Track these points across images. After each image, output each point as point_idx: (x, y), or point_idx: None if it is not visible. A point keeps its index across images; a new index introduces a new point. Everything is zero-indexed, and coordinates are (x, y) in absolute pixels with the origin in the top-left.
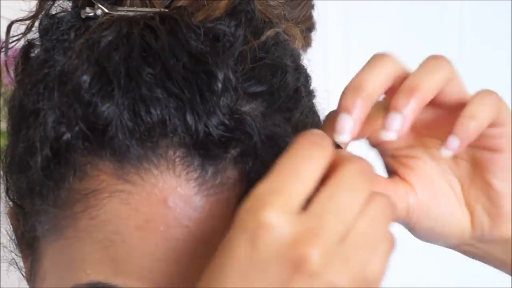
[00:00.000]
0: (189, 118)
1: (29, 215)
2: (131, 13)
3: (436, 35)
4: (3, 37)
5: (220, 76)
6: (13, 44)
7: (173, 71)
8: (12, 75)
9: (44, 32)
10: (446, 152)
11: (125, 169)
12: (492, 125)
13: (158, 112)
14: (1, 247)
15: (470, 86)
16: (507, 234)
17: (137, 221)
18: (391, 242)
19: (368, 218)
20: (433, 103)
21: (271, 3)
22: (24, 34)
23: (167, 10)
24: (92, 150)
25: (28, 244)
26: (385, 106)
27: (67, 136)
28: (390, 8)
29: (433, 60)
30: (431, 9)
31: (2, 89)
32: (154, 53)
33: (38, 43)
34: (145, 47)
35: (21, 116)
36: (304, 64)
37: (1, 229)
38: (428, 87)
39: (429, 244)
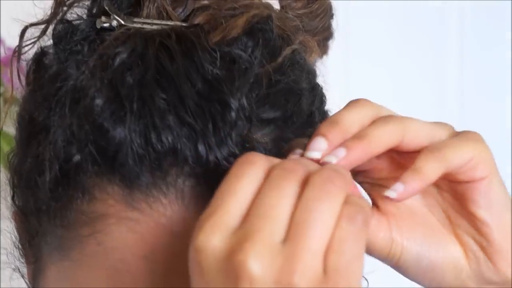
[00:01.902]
0: (200, 148)
1: (34, 230)
2: (147, 26)
3: (436, 35)
4: (3, 37)
5: (234, 105)
6: (27, 49)
7: (186, 97)
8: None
9: (57, 39)
10: (389, 193)
11: (134, 195)
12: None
13: (170, 140)
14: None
15: (470, 85)
16: (507, 272)
17: (144, 251)
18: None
19: (303, 208)
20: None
21: (289, 15)
22: (38, 39)
23: (184, 25)
24: (102, 173)
25: (32, 251)
26: None
27: (77, 158)
28: (390, 8)
29: (383, 120)
30: (431, 9)
31: (2, 89)
32: (168, 77)
33: (51, 50)
34: (160, 69)
35: (31, 130)
36: (319, 83)
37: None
38: (378, 141)
39: None
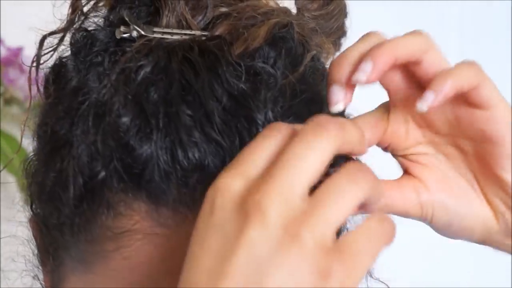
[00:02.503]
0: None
1: (56, 242)
2: (167, 36)
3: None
4: (3, 37)
5: (260, 120)
6: (46, 59)
7: (212, 113)
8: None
9: (76, 49)
10: (421, 105)
11: (161, 212)
12: (478, 105)
13: (196, 157)
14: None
15: None
16: None
17: (170, 267)
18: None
19: (333, 177)
20: (418, 78)
21: (305, 18)
22: (55, 48)
23: (204, 34)
24: (127, 190)
25: (53, 261)
26: (387, 106)
27: (102, 174)
28: (390, 9)
29: (412, 33)
30: (431, 10)
31: (2, 89)
32: (193, 92)
33: (69, 61)
34: (184, 84)
35: (53, 144)
36: None
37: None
38: (402, 46)
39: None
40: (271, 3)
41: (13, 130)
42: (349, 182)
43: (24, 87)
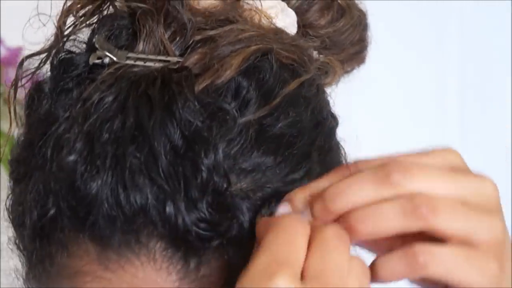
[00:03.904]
0: (168, 211)
1: (24, 262)
2: (140, 63)
3: (436, 35)
4: (3, 37)
5: (207, 165)
6: (27, 78)
7: (160, 156)
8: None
9: (53, 73)
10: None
11: (107, 255)
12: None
13: (138, 201)
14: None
15: (470, 86)
16: None
17: None
18: None
19: (354, 275)
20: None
21: (308, 37)
22: (35, 71)
23: (180, 61)
24: (76, 230)
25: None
26: None
27: (52, 212)
28: (389, 9)
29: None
30: (432, 10)
31: (2, 89)
32: (145, 133)
33: (46, 84)
34: (138, 123)
35: (17, 174)
36: (330, 114)
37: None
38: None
39: None
40: (264, 24)
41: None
42: None
43: (24, 87)
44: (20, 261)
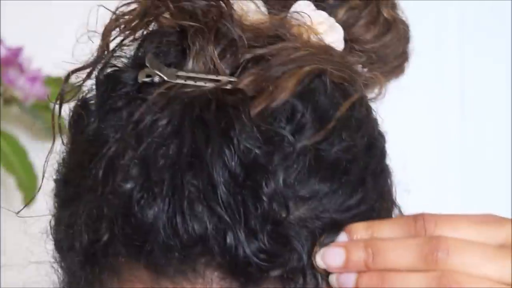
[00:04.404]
0: (229, 241)
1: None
2: (190, 82)
3: (436, 35)
4: (3, 37)
5: (268, 195)
6: (71, 96)
7: (219, 184)
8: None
9: (99, 90)
10: None
11: (161, 282)
12: None
13: (197, 231)
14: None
15: (471, 87)
16: None
17: None
18: None
19: None
20: None
21: (355, 53)
22: (79, 86)
23: (231, 80)
24: (130, 255)
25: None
26: None
27: (106, 237)
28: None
29: None
30: (432, 10)
31: (2, 89)
32: (202, 160)
33: (91, 102)
34: (194, 149)
35: (65, 195)
36: (379, 134)
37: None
38: None
39: None
40: (313, 40)
41: (13, 130)
42: None
43: (24, 87)
44: (60, 279)
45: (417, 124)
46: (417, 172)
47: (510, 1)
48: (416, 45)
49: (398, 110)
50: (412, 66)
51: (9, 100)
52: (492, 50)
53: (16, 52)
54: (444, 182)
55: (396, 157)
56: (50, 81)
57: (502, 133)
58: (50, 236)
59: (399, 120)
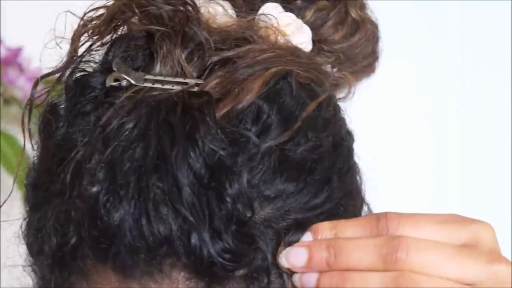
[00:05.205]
0: (193, 242)
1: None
2: (158, 86)
3: (436, 35)
4: (3, 37)
5: (233, 193)
6: (41, 98)
7: (183, 186)
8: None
9: (67, 94)
10: None
11: (129, 283)
12: None
13: (162, 232)
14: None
15: (471, 87)
16: None
17: None
18: None
19: None
20: None
21: (323, 53)
22: (49, 91)
23: (198, 83)
24: (97, 258)
25: None
26: None
27: (74, 240)
28: (389, 9)
29: None
30: (432, 10)
31: (2, 89)
32: (167, 163)
33: (61, 107)
34: (160, 152)
35: (34, 200)
36: (347, 133)
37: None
38: None
39: None
40: (280, 41)
41: (13, 130)
42: None
43: (24, 87)
44: (34, 282)
45: (417, 124)
46: (411, 170)
47: (510, 1)
48: (416, 45)
49: (398, 110)
50: (412, 66)
51: (9, 100)
52: (492, 50)
53: (16, 52)
54: (444, 182)
55: (396, 157)
56: (50, 81)
57: (502, 133)
58: (23, 240)
59: (399, 120)
